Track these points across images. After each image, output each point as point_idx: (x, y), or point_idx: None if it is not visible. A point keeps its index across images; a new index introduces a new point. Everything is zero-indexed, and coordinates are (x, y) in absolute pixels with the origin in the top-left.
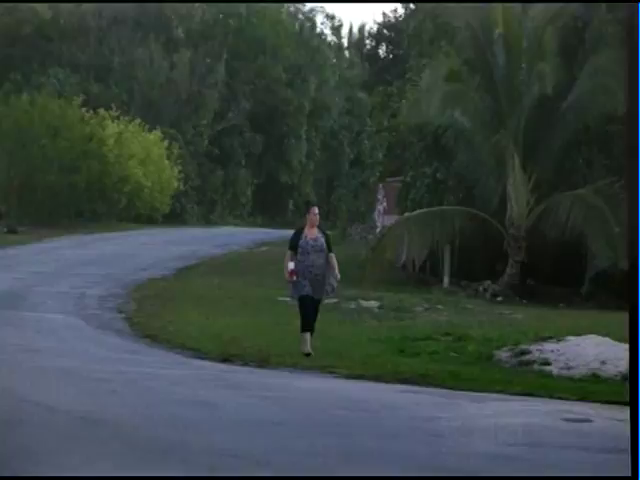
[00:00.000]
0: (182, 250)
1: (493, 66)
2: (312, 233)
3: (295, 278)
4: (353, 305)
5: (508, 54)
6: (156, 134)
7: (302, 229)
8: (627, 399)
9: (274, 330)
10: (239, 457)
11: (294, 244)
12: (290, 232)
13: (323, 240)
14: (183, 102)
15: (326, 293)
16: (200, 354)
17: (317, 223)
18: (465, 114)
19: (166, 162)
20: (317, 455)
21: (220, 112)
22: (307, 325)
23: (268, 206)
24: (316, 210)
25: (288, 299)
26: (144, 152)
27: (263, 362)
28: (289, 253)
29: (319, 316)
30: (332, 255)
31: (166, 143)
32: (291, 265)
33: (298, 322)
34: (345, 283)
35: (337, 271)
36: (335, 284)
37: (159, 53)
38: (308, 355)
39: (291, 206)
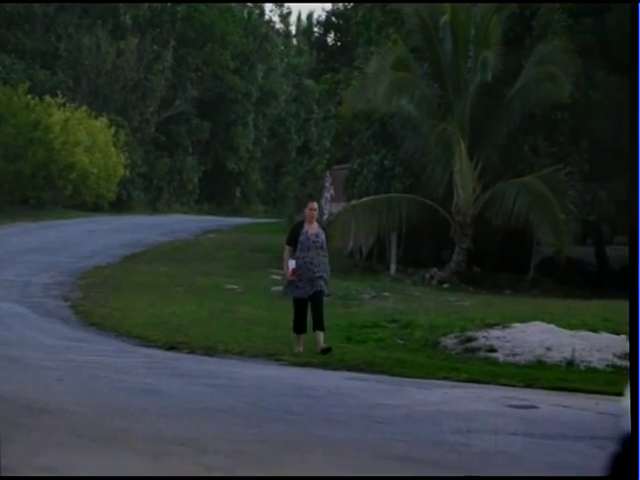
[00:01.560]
0: (128, 238)
1: (440, 54)
2: (313, 228)
3: (295, 277)
4: None
5: (455, 42)
6: (103, 121)
7: (301, 224)
8: (572, 385)
9: (221, 318)
10: (186, 445)
11: (293, 239)
12: (237, 220)
13: (324, 237)
14: (130, 89)
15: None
16: (146, 342)
17: (316, 218)
18: (412, 102)
19: (112, 149)
20: (264, 442)
21: (167, 99)
22: (300, 327)
23: (215, 193)
24: (315, 205)
25: (235, 287)
26: (90, 139)
27: (210, 350)
28: (288, 249)
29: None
30: (326, 254)
31: (113, 130)
32: (292, 263)
33: (244, 309)
34: None
35: (329, 273)
36: (327, 288)
37: (106, 40)
38: (300, 352)
39: (238, 193)
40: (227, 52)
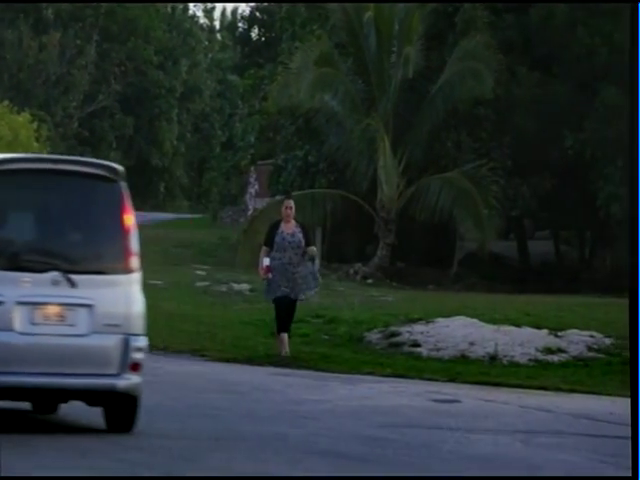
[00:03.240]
0: None
1: (364, 50)
2: (289, 228)
3: (270, 275)
4: (224, 288)
5: (379, 38)
6: (25, 116)
7: (278, 223)
8: (495, 379)
9: (145, 314)
10: (111, 441)
11: (269, 239)
12: (161, 215)
13: (301, 236)
14: (53, 84)
15: (310, 288)
16: None
17: (292, 217)
18: (336, 97)
19: (35, 144)
20: (189, 438)
21: (90, 94)
22: (283, 326)
23: (139, 189)
24: (291, 203)
25: (159, 282)
26: (12, 134)
27: None
28: (264, 249)
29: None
30: (313, 248)
31: (35, 125)
32: (266, 261)
33: (169, 305)
34: (216, 266)
35: (317, 265)
36: (314, 285)
37: (28, 34)
38: (286, 356)
39: (162, 189)
40: (151, 47)
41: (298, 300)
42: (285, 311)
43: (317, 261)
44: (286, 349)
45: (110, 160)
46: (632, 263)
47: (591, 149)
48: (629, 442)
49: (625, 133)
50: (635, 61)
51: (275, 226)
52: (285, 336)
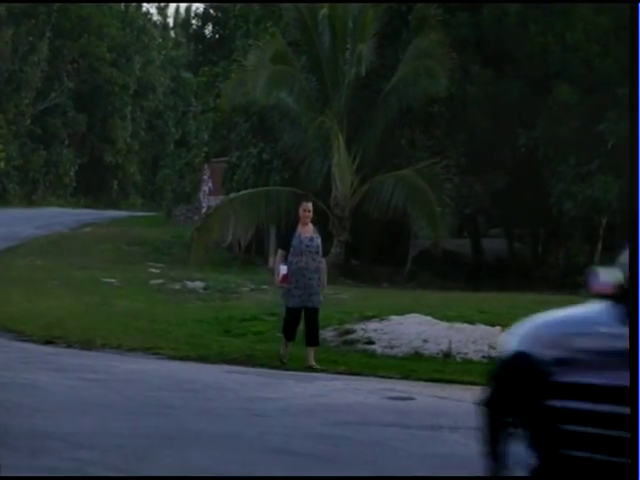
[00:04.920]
0: (3, 231)
1: (318, 47)
2: (307, 232)
3: (286, 285)
4: (178, 286)
5: (333, 35)
6: None
7: (296, 226)
8: (449, 377)
9: (99, 312)
10: (62, 440)
11: (286, 243)
12: (114, 213)
13: (319, 241)
14: (5, 81)
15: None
16: (23, 336)
17: (310, 220)
18: (291, 95)
19: None
20: (142, 437)
21: (43, 91)
22: (290, 334)
23: (92, 186)
24: (309, 206)
25: (113, 280)
26: None
27: (87, 344)
28: (280, 253)
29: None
30: (322, 260)
31: None
32: (283, 269)
33: (123, 303)
34: (170, 264)
35: (325, 278)
36: (321, 297)
37: None
38: (284, 363)
39: (115, 186)
40: (104, 44)
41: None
42: (298, 324)
43: (324, 279)
44: (285, 354)
45: (62, 158)
46: (632, 263)
47: (544, 147)
48: None
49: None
50: (635, 61)
51: (292, 229)
52: (290, 344)
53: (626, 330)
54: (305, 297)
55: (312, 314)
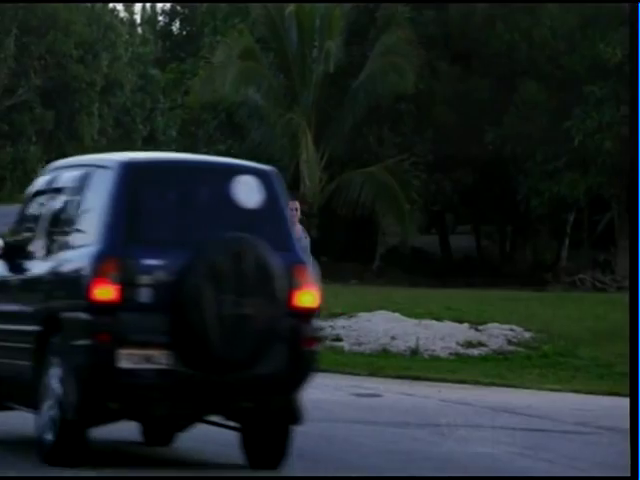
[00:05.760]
0: None
1: (286, 44)
2: (295, 232)
3: None
4: None
5: (300, 33)
6: None
7: None
8: (416, 373)
9: None
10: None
11: None
12: None
13: (307, 242)
14: None
15: None
16: None
17: (297, 220)
18: (259, 92)
19: None
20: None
21: (10, 88)
22: None
23: None
24: (296, 204)
25: None
26: None
27: None
28: None
29: None
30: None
31: None
32: None
33: None
34: None
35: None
36: None
37: None
38: None
39: None
40: (71, 41)
41: None
42: None
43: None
44: None
45: (29, 155)
46: (632, 262)
47: (511, 144)
48: (547, 434)
49: (544, 128)
50: (635, 61)
51: None
52: None
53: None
54: None
55: None
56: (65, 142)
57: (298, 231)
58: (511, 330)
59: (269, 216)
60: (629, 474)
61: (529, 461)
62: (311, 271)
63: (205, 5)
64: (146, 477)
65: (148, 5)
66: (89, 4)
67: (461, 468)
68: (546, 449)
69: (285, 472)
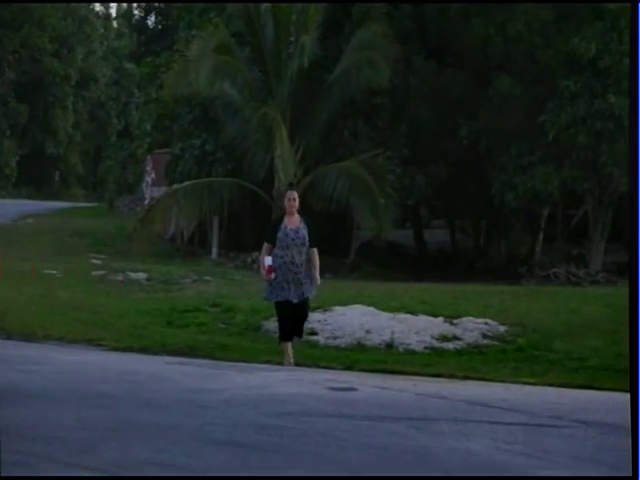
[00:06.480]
0: None
1: (261, 39)
2: (293, 222)
3: (273, 276)
4: (120, 277)
5: (276, 27)
6: None
7: (281, 218)
8: (391, 367)
9: (40, 303)
10: (3, 432)
11: (271, 235)
12: (56, 204)
13: (305, 232)
14: None
15: (310, 292)
16: None
17: (295, 210)
18: (234, 86)
19: None
20: (85, 428)
21: None
22: (286, 335)
23: (33, 177)
24: (294, 194)
25: (55, 271)
26: None
27: (29, 335)
28: (266, 246)
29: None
30: (314, 251)
31: None
32: (268, 260)
33: (65, 294)
34: (113, 255)
35: (317, 273)
36: (314, 291)
37: None
38: (291, 363)
39: (57, 177)
40: (45, 34)
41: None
42: (291, 317)
43: (317, 271)
44: (290, 359)
45: (3, 148)
46: (632, 262)
47: (486, 138)
48: (523, 428)
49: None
50: (635, 61)
51: (278, 220)
52: (289, 345)
53: None
54: (293, 292)
55: (299, 309)
56: (39, 136)
57: (296, 222)
58: (486, 324)
59: None
60: (604, 466)
61: (507, 455)
62: (314, 262)
63: None
64: (146, 477)
65: None
66: None
67: (438, 462)
68: (522, 443)
69: (259, 466)
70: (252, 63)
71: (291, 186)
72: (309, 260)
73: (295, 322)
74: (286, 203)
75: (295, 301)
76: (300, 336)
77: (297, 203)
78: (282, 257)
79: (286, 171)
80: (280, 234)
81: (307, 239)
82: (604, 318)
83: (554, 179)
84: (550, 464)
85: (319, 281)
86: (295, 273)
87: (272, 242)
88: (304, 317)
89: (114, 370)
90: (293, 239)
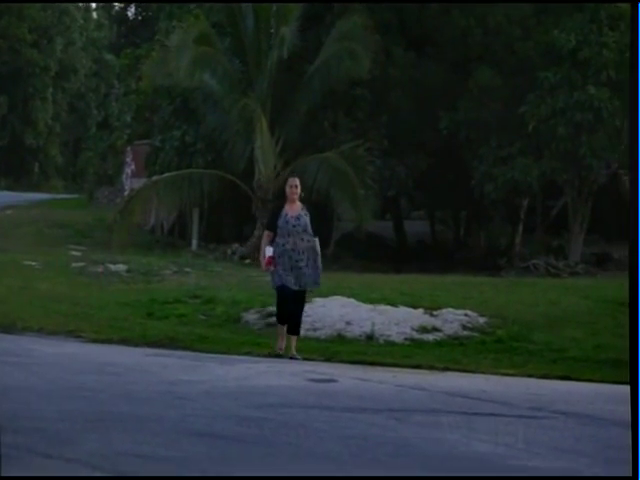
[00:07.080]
0: None
1: (242, 30)
2: (294, 210)
3: (273, 268)
4: (100, 269)
5: (256, 18)
6: None
7: (282, 205)
8: (371, 359)
9: (20, 295)
10: None
11: (272, 223)
12: (35, 195)
13: (307, 219)
14: None
15: (315, 283)
16: None
17: (297, 197)
18: (214, 77)
19: None
20: (65, 420)
21: None
22: (282, 317)
23: (13, 169)
24: (296, 181)
25: (34, 263)
26: None
27: (8, 327)
28: (266, 234)
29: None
30: (315, 240)
31: None
32: (269, 251)
33: (44, 286)
34: (92, 246)
35: (319, 262)
36: (318, 278)
37: None
38: (279, 355)
39: (37, 169)
40: (24, 25)
41: (307, 289)
42: (289, 303)
43: (319, 259)
44: (282, 345)
45: None
46: (632, 262)
47: (465, 130)
48: (503, 419)
49: (499, 113)
50: (635, 61)
51: (279, 208)
52: (284, 329)
53: None
54: (294, 279)
55: (297, 297)
56: (18, 127)
57: (297, 209)
58: (465, 315)
59: None
60: (584, 456)
61: (487, 446)
62: (317, 247)
63: None
64: (146, 477)
65: None
66: None
67: (418, 453)
68: (503, 433)
69: (241, 458)
70: (232, 54)
71: (292, 173)
72: (311, 248)
73: (291, 315)
74: (287, 190)
75: (295, 288)
76: (297, 333)
77: (299, 190)
78: (283, 245)
79: (266, 162)
80: (281, 221)
81: (309, 226)
82: (583, 309)
83: (534, 170)
84: (530, 455)
85: (321, 267)
86: (296, 261)
87: (273, 230)
88: (301, 308)
89: (94, 362)
90: (294, 226)
